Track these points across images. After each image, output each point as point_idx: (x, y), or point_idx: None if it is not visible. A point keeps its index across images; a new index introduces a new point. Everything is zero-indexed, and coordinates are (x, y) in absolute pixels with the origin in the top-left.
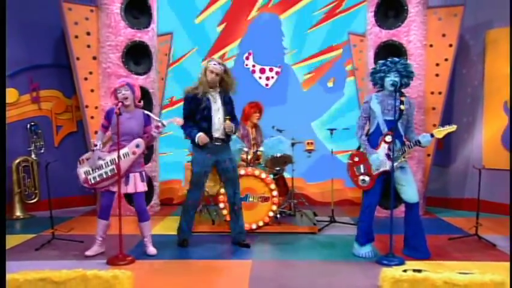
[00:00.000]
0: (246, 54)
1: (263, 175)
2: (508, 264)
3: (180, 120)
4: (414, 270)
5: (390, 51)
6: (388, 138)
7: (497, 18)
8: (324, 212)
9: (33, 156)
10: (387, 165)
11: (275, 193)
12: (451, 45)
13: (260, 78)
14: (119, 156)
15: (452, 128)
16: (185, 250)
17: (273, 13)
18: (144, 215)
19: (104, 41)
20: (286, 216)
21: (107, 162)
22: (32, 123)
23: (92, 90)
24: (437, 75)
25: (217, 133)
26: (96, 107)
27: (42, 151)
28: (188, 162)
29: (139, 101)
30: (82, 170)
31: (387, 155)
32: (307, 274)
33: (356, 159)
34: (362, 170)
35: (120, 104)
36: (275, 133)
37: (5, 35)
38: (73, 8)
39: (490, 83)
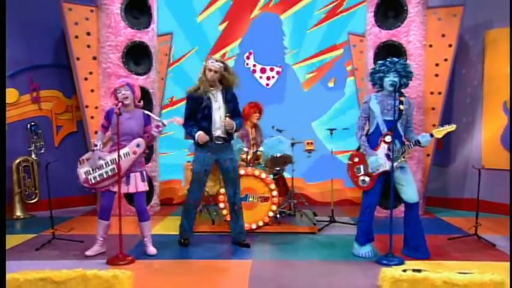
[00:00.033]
0: (247, 54)
1: (263, 175)
2: (507, 264)
3: (180, 120)
4: (414, 270)
5: (390, 51)
6: (388, 139)
7: (497, 18)
8: (324, 212)
9: (33, 156)
10: (387, 166)
11: (275, 193)
12: (450, 46)
13: (261, 77)
14: (119, 156)
15: (451, 127)
16: (186, 250)
17: (274, 13)
18: (144, 215)
19: (104, 41)
20: (286, 216)
21: (107, 162)
22: (32, 123)
23: (92, 90)
24: (436, 75)
25: (217, 132)
26: (96, 107)
27: (42, 151)
28: (188, 162)
29: (139, 101)
30: (82, 170)
31: (387, 155)
32: (307, 274)
33: (356, 159)
34: (362, 171)
35: (120, 104)
36: (275, 133)
37: (5, 35)
38: (73, 8)
39: (490, 83)
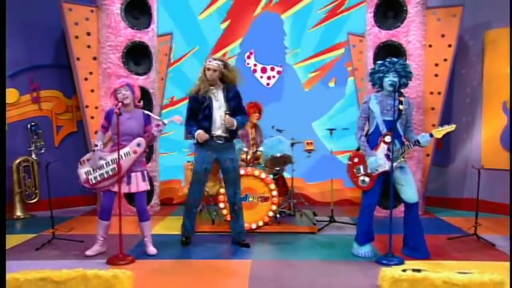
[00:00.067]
0: (248, 54)
1: (263, 175)
2: (507, 264)
3: (180, 118)
4: (414, 270)
5: (390, 51)
6: (387, 139)
7: (496, 18)
8: (324, 211)
9: (33, 156)
10: (386, 166)
11: (275, 193)
12: (450, 46)
13: (261, 77)
14: (119, 156)
15: (451, 127)
16: (186, 250)
17: (275, 12)
18: (145, 214)
19: (105, 42)
20: (286, 216)
21: (108, 162)
22: (33, 123)
23: (92, 91)
24: (436, 75)
25: (218, 131)
26: (96, 107)
27: (42, 151)
28: (188, 162)
29: (139, 101)
30: (82, 171)
31: (387, 155)
32: (307, 274)
33: (356, 160)
34: (362, 171)
35: (120, 104)
36: (275, 133)
37: (5, 35)
38: (73, 9)
39: (489, 83)
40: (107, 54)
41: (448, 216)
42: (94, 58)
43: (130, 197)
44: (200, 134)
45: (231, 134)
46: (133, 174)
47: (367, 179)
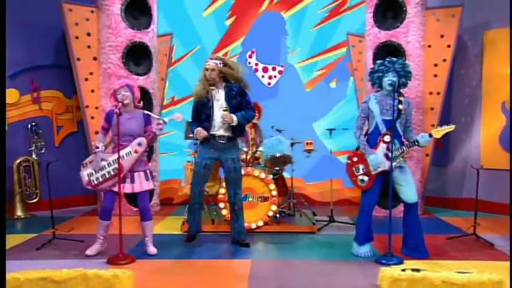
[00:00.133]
0: (249, 53)
1: (262, 175)
2: (506, 263)
3: (180, 116)
4: (413, 270)
5: (389, 51)
6: (386, 138)
7: (495, 19)
8: (323, 211)
9: (34, 156)
10: (386, 165)
11: (274, 193)
12: (449, 46)
13: (263, 77)
14: (119, 157)
15: (450, 128)
16: (186, 250)
17: (277, 11)
18: (147, 214)
19: (105, 42)
20: (286, 215)
21: (109, 163)
22: (33, 124)
23: (92, 91)
24: (435, 75)
25: (220, 131)
26: (96, 107)
27: (43, 151)
28: (188, 162)
29: (139, 102)
30: (85, 173)
31: (386, 155)
32: (306, 273)
33: (355, 159)
34: (361, 170)
35: (120, 104)
36: (275, 133)
37: (5, 35)
38: (74, 9)
39: (488, 83)
40: (107, 55)
41: (447, 216)
42: (94, 58)
43: (130, 197)
44: (198, 130)
45: (234, 132)
46: (136, 174)
47: (366, 178)
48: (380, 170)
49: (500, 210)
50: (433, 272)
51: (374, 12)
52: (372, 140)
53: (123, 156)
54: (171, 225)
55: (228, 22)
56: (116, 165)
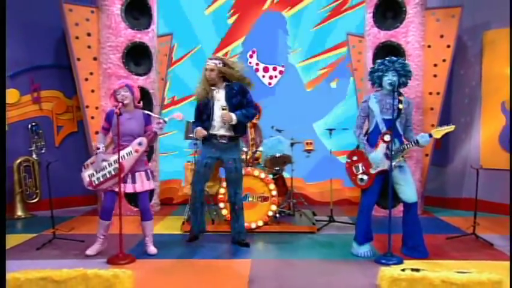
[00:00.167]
0: (250, 53)
1: (262, 175)
2: (505, 263)
3: (180, 114)
4: (413, 270)
5: (389, 52)
6: (386, 138)
7: (495, 19)
8: (323, 211)
9: (34, 156)
10: (385, 165)
11: (274, 193)
12: (448, 46)
13: (263, 76)
14: (119, 157)
15: (450, 128)
16: (186, 249)
17: (278, 11)
18: (147, 214)
19: (105, 42)
20: (286, 215)
21: (110, 163)
22: (33, 124)
23: (92, 91)
24: (435, 75)
25: (221, 130)
26: (96, 107)
27: (43, 151)
28: (188, 162)
29: (139, 102)
30: (86, 174)
31: (386, 154)
32: (306, 273)
33: (355, 158)
34: (361, 169)
35: (120, 104)
36: (274, 133)
37: (5, 35)
38: (74, 9)
39: (488, 83)
40: (107, 55)
41: (446, 216)
42: (95, 58)
43: (130, 197)
44: (197, 130)
45: (236, 131)
46: (137, 174)
47: (365, 178)
48: (380, 168)
49: (500, 210)
50: (433, 272)
51: (374, 12)
52: (372, 139)
53: (124, 156)
54: (171, 225)
55: (229, 22)
56: (117, 165)
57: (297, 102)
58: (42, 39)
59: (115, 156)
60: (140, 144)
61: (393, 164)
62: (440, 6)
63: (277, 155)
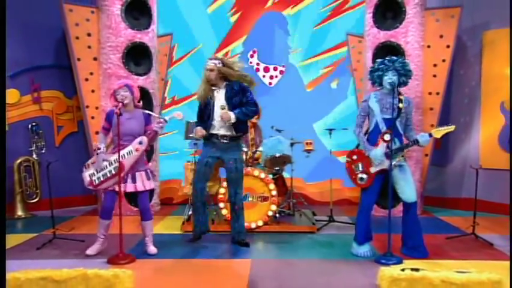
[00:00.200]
0: (251, 52)
1: (262, 175)
2: (505, 263)
3: (180, 114)
4: (412, 269)
5: (388, 52)
6: (386, 137)
7: (494, 19)
8: (323, 211)
9: (34, 156)
10: (385, 164)
11: (274, 193)
12: (448, 46)
13: (264, 76)
14: (119, 157)
15: (450, 128)
16: (186, 249)
17: (279, 11)
18: (147, 213)
19: (105, 42)
20: (286, 215)
21: (111, 162)
22: (34, 124)
23: (92, 91)
24: (434, 75)
25: (222, 130)
26: (97, 107)
27: (43, 151)
28: (188, 162)
29: (138, 101)
30: (87, 174)
31: (386, 154)
32: (306, 273)
33: (355, 157)
34: (361, 168)
35: (120, 104)
36: (274, 133)
37: (5, 35)
38: (74, 9)
39: (487, 83)
40: (107, 55)
41: (446, 216)
42: (95, 59)
43: (130, 197)
44: (197, 130)
45: (237, 130)
46: (137, 174)
47: (365, 177)
48: (380, 167)
49: (499, 210)
50: (432, 272)
51: (374, 12)
52: (372, 138)
53: (124, 155)
54: (171, 225)
55: (230, 22)
56: (117, 164)
57: (297, 103)
58: (43, 40)
59: (116, 156)
60: (140, 143)
61: (393, 163)
62: (440, 7)
63: (277, 155)
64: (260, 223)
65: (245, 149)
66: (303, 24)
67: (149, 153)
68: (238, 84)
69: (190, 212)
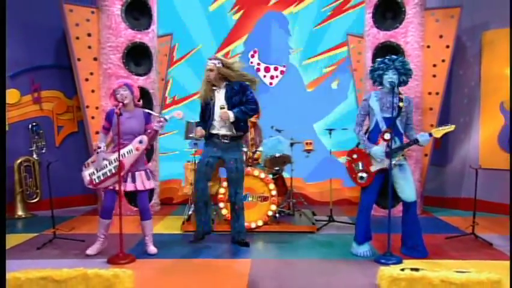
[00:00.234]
0: (252, 52)
1: (262, 175)
2: (504, 262)
3: (180, 113)
4: (412, 269)
5: (388, 52)
6: (386, 136)
7: (494, 19)
8: (323, 211)
9: (34, 156)
10: (385, 163)
11: (274, 193)
12: (448, 47)
13: (264, 76)
14: (120, 156)
15: (450, 128)
16: (186, 249)
17: (280, 11)
18: (147, 213)
19: (105, 42)
20: (286, 215)
21: (111, 161)
22: (34, 124)
23: (92, 91)
24: (434, 76)
25: (222, 130)
26: (97, 108)
27: (43, 151)
28: (188, 162)
29: (138, 100)
30: (86, 173)
31: (386, 153)
32: (306, 273)
33: (355, 156)
34: (361, 167)
35: (120, 104)
36: (274, 133)
37: (5, 35)
38: (74, 10)
39: (487, 83)
40: (107, 55)
41: (445, 216)
42: (95, 59)
43: (130, 197)
44: (196, 130)
45: (237, 129)
46: (137, 173)
47: (365, 175)
48: (380, 167)
49: (499, 210)
50: (432, 272)
51: (373, 12)
52: (373, 137)
53: (124, 154)
54: (171, 225)
55: (232, 20)
56: (117, 163)
57: (298, 103)
58: (43, 40)
59: (115, 155)
60: (141, 142)
61: (393, 162)
62: (439, 7)
63: (277, 155)
64: (260, 223)
65: (245, 149)
66: (304, 25)
67: (149, 153)
68: (238, 84)
69: (190, 212)
